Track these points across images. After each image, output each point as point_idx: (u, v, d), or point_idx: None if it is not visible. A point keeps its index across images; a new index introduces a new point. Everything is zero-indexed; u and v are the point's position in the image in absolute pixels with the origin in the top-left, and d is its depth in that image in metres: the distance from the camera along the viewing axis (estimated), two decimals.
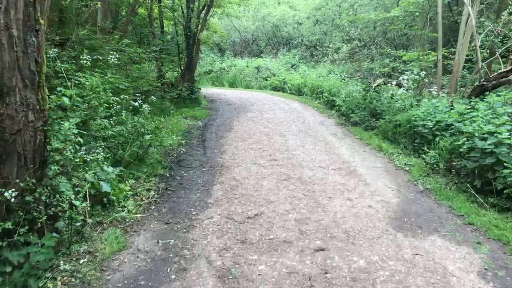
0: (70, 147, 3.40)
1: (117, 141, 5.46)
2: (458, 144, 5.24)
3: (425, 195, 5.04)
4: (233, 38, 27.92)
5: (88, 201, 3.64)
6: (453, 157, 5.81)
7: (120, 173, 4.64)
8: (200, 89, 15.27)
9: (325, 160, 6.67)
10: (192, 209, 4.54)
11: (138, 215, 4.38)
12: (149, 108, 5.72)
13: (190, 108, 12.69)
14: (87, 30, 7.17)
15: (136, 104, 5.22)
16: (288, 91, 18.26)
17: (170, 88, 13.97)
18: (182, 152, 7.27)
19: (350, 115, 10.86)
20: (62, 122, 3.50)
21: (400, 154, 7.05)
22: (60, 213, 3.35)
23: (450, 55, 9.74)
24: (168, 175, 5.86)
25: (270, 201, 4.76)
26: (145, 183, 5.46)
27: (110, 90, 5.79)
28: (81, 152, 3.71)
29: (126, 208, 4.48)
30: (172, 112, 10.89)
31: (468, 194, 4.95)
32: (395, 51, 10.56)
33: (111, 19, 10.26)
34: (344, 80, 15.37)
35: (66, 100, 3.69)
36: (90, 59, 5.13)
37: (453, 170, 5.60)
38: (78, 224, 3.45)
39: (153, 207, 4.66)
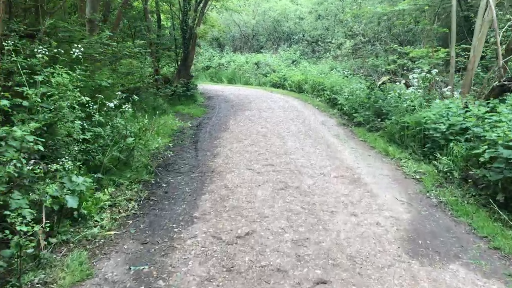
0: (19, 158, 2.82)
1: (97, 145, 4.88)
2: (477, 152, 4.64)
3: (440, 209, 4.46)
4: (232, 33, 27.26)
5: (43, 222, 3.06)
6: (470, 166, 5.23)
7: (92, 184, 4.06)
8: (196, 85, 14.65)
9: (327, 166, 6.09)
10: (174, 225, 3.97)
11: (112, 233, 3.81)
12: (129, 109, 5.12)
13: (185, 106, 12.11)
14: (70, 21, 6.57)
15: (112, 105, 4.62)
16: (288, 88, 17.65)
17: (165, 84, 13.37)
18: (171, 154, 6.69)
19: (353, 114, 10.27)
20: (13, 130, 2.92)
21: (409, 159, 6.46)
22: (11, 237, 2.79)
23: (461, 52, 9.12)
24: (153, 182, 5.28)
25: (264, 215, 4.18)
26: (126, 191, 4.88)
27: (89, 87, 5.22)
28: (29, 165, 3.12)
29: (99, 223, 3.91)
30: (165, 110, 10.31)
31: (489, 209, 4.38)
32: (401, 48, 9.93)
33: (103, 12, 9.65)
34: (347, 77, 14.75)
35: (4, 102, 3.09)
36: (80, 54, 4.49)
37: (469, 180, 5.02)
38: (30, 251, 2.87)
39: (131, 221, 4.08)
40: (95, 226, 3.84)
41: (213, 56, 24.73)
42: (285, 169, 5.92)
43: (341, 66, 18.14)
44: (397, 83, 10.91)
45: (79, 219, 3.91)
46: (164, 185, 5.20)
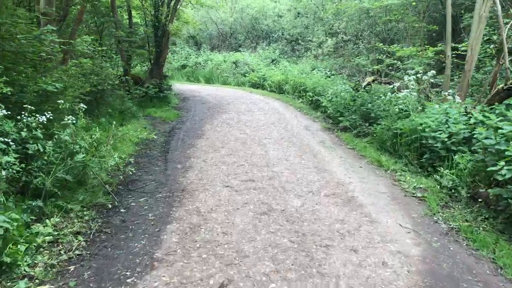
0: None
1: (36, 165, 3.95)
2: (493, 169, 3.96)
3: (452, 239, 3.75)
4: (209, 31, 26.29)
5: None
6: (478, 181, 4.56)
7: (28, 216, 3.16)
8: (170, 86, 13.69)
9: (315, 181, 5.32)
10: (128, 272, 3.10)
11: (45, 287, 2.92)
12: (73, 121, 4.20)
13: (158, 108, 11.16)
14: (13, 14, 5.56)
15: (43, 118, 3.71)
16: (268, 88, 16.89)
17: (136, 85, 12.35)
18: (133, 171, 5.79)
19: (339, 118, 9.58)
20: None
21: (405, 172, 5.78)
22: None
23: (452, 51, 8.54)
24: (110, 206, 4.38)
25: (243, 254, 3.37)
26: (76, 220, 3.97)
27: (30, 93, 4.28)
28: None
29: (29, 273, 3.01)
30: (134, 114, 9.34)
31: (508, 237, 3.71)
32: (387, 46, 9.31)
33: (63, 6, 8.61)
34: (329, 77, 14.09)
35: None
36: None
37: (479, 200, 4.35)
38: None
39: (73, 267, 3.19)
40: (23, 278, 2.94)
41: (190, 55, 23.72)
42: (267, 186, 5.12)
43: (322, 65, 17.51)
44: (390, 86, 10.30)
45: (4, 267, 3.00)
46: (123, 210, 4.30)
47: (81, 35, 12.02)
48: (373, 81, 11.79)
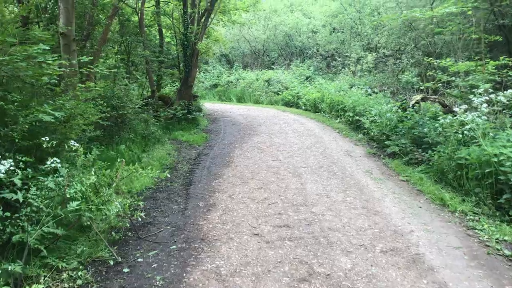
0: None
1: (25, 212, 3.20)
2: None
3: None
4: (242, 49, 25.86)
5: None
6: None
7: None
8: (200, 107, 13.08)
9: (366, 229, 4.28)
10: None
11: None
12: (62, 166, 3.42)
13: (186, 131, 10.48)
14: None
15: (5, 167, 2.94)
16: (303, 107, 15.96)
17: (166, 106, 11.81)
18: (151, 207, 4.99)
19: (385, 142, 8.46)
20: None
21: (478, 216, 4.61)
22: None
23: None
24: (111, 263, 3.55)
25: None
26: (65, 284, 3.18)
27: (20, 125, 3.59)
28: None
29: None
30: (159, 138, 8.67)
31: None
32: (437, 61, 8.17)
33: (85, 26, 8.18)
34: (370, 95, 12.97)
35: None
36: None
37: None
38: None
39: None
40: None
41: (222, 74, 23.28)
42: (306, 234, 4.13)
43: (361, 82, 16.40)
44: (438, 104, 9.12)
45: None
46: (126, 270, 3.45)
47: (111, 55, 11.69)
48: (422, 99, 10.58)
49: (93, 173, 3.51)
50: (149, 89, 12.42)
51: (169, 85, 15.05)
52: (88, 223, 3.21)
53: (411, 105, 10.24)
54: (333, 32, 21.46)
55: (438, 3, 11.79)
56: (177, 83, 13.97)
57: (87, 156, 4.02)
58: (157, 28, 13.99)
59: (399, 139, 8.10)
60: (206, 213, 4.80)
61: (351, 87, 15.26)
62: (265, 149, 8.61)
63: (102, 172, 3.84)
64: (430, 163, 6.63)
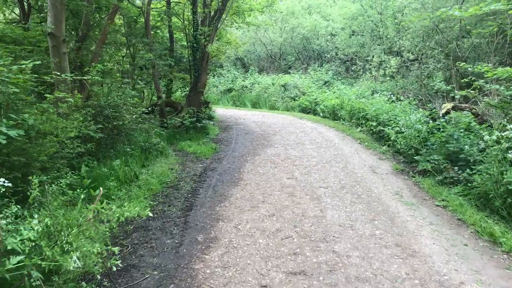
0: None
1: None
2: None
3: None
4: (258, 52, 25.07)
5: None
6: None
7: None
8: (210, 114, 12.32)
9: (404, 280, 3.37)
10: None
11: None
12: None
13: (194, 141, 9.70)
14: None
15: None
16: (321, 114, 15.03)
17: (176, 113, 11.09)
18: (141, 239, 4.19)
19: (414, 157, 7.49)
20: None
21: None
22: None
23: None
24: None
25: None
26: None
27: None
28: None
29: None
30: (162, 150, 7.91)
31: None
32: (472, 66, 7.17)
33: (81, 27, 7.49)
34: (394, 102, 11.97)
35: None
36: None
37: None
38: None
39: None
40: None
41: (236, 78, 22.53)
42: (329, 286, 3.25)
43: (383, 87, 15.38)
44: (471, 113, 8.12)
45: None
46: None
47: (117, 58, 11.05)
48: (453, 108, 9.55)
49: (48, 212, 2.70)
50: (152, 96, 11.79)
51: (179, 90, 14.38)
52: (38, 283, 2.41)
53: (441, 115, 9.24)
54: (353, 35, 20.45)
55: (470, 4, 10.75)
56: (188, 88, 13.29)
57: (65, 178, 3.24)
58: (165, 29, 13.38)
59: (431, 154, 7.13)
60: (204, 251, 3.97)
61: (373, 93, 14.26)
62: (279, 163, 7.76)
63: (62, 211, 3.04)
64: (470, 185, 5.65)
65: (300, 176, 6.75)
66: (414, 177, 6.83)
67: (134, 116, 6.66)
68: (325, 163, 7.73)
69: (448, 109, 9.36)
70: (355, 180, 6.50)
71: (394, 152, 8.74)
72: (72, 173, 5.72)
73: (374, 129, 10.32)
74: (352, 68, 19.69)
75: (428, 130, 7.98)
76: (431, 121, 8.20)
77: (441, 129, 7.47)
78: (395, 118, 9.75)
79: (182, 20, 12.33)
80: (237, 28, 15.01)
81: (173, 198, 5.69)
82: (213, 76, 23.66)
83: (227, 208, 5.26)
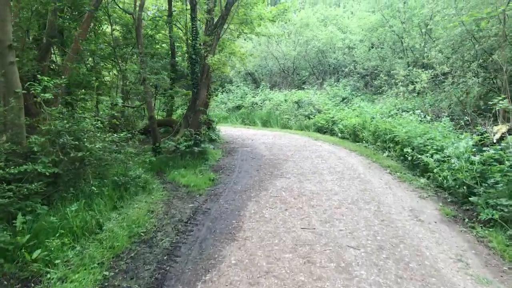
0: None
1: None
2: None
3: None
4: (270, 67, 23.57)
5: None
6: None
7: None
8: (213, 136, 10.72)
9: None
10: None
11: None
12: None
13: (189, 170, 8.08)
14: None
15: None
16: (339, 134, 13.29)
17: (174, 133, 9.55)
18: None
19: (469, 198, 5.70)
20: None
21: None
22: None
23: None
24: None
25: None
26: None
27: None
28: None
29: None
30: (144, 186, 6.29)
31: None
32: None
33: (47, 31, 6.03)
34: (429, 122, 10.18)
35: None
36: None
37: None
38: None
39: None
40: None
41: (246, 94, 21.02)
42: None
43: (409, 105, 13.58)
44: None
45: None
46: None
47: (106, 69, 9.60)
48: (508, 131, 7.74)
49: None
50: (164, 113, 10.31)
51: (181, 107, 12.89)
52: None
53: (495, 140, 7.44)
54: (372, 47, 18.79)
55: None
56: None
57: None
58: (167, 39, 11.99)
59: (494, 195, 5.35)
60: None
61: (400, 112, 12.48)
62: (291, 202, 6.05)
63: None
64: None
65: (319, 226, 5.03)
66: (474, 228, 5.03)
67: (101, 145, 5.05)
68: (350, 203, 5.99)
69: (503, 133, 7.57)
70: (396, 235, 4.74)
71: (436, 186, 6.96)
72: (5, 226, 4.16)
73: (407, 155, 8.51)
74: (373, 83, 17.95)
75: (483, 161, 6.20)
76: (488, 149, 6.42)
77: (506, 160, 5.69)
78: (432, 143, 7.99)
79: (181, 29, 10.91)
80: (245, 39, 13.53)
81: (141, 263, 4.02)
82: (222, 92, 22.22)
83: (214, 285, 3.56)
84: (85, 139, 4.79)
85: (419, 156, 7.83)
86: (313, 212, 5.59)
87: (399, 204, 5.97)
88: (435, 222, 5.24)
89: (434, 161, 7.32)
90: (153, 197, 6.13)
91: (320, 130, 14.86)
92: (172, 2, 11.32)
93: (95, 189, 5.02)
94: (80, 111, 5.05)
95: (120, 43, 8.74)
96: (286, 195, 6.44)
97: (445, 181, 6.68)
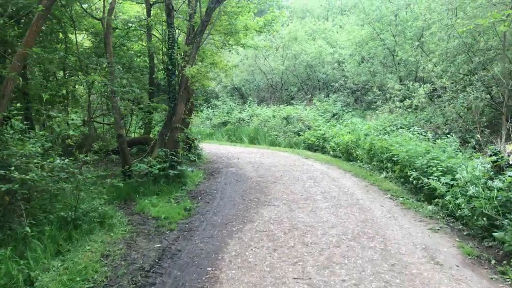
0: None
1: None
2: None
3: None
4: (257, 82, 22.74)
5: None
6: None
7: None
8: (193, 156, 9.68)
9: None
10: None
11: None
12: None
13: (163, 197, 7.00)
14: None
15: None
16: (331, 152, 12.37)
17: (151, 153, 8.48)
18: None
19: (494, 234, 4.75)
20: None
21: None
22: None
23: None
24: None
25: None
26: None
27: None
28: None
29: None
30: (102, 220, 5.18)
31: None
32: None
33: None
34: (429, 140, 9.30)
35: None
36: None
37: None
38: None
39: None
40: None
41: (232, 110, 20.07)
42: None
43: (403, 121, 12.78)
44: None
45: None
46: None
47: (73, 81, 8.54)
48: None
49: None
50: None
51: (158, 124, 11.85)
52: None
53: (511, 161, 6.55)
54: (362, 62, 18.11)
55: None
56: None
57: None
58: (138, 47, 11.04)
59: None
60: None
61: (397, 128, 11.65)
62: (281, 238, 5.03)
63: None
64: None
65: (316, 274, 4.00)
66: (504, 273, 4.06)
67: (38, 173, 3.97)
68: (351, 239, 4.99)
69: None
70: (414, 287, 3.72)
71: (446, 215, 6.02)
72: None
73: (410, 179, 7.57)
74: (364, 99, 17.19)
75: (506, 187, 5.30)
76: (507, 172, 5.51)
77: None
78: (437, 164, 7.09)
79: (158, 38, 9.97)
80: (230, 51, 12.64)
81: None
82: (207, 108, 21.24)
83: None
84: (14, 168, 3.71)
85: (426, 179, 6.90)
86: (307, 253, 4.56)
87: (409, 240, 4.98)
88: (457, 266, 4.25)
89: (442, 184, 6.42)
90: (112, 234, 5.03)
91: (311, 147, 13.92)
92: (151, 11, 10.44)
93: (29, 231, 3.90)
94: (11, 131, 3.98)
95: (86, 52, 7.72)
96: (274, 229, 5.40)
97: (458, 210, 5.75)
